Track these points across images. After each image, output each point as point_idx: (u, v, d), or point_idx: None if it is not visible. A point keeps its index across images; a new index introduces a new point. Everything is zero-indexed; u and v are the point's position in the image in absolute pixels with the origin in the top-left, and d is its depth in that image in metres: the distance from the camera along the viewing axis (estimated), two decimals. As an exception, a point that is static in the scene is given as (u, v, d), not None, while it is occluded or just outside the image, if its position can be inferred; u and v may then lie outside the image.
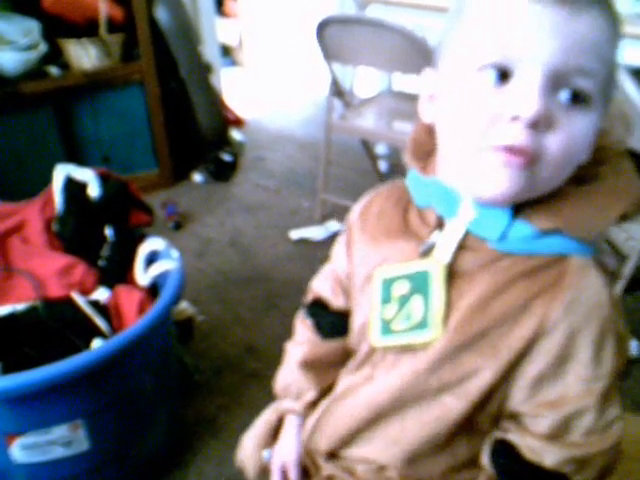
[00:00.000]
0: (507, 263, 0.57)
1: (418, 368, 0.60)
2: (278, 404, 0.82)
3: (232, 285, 2.07)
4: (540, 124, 0.50)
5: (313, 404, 0.76)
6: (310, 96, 3.85)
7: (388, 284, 0.63)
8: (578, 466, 0.57)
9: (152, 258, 1.36)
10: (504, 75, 0.51)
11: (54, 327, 1.21)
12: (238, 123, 3.21)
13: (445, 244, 0.59)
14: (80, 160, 2.41)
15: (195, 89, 2.70)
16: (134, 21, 2.38)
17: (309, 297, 0.83)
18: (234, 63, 4.39)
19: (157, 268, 1.32)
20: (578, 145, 0.52)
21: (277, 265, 2.17)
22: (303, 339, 0.81)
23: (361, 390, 0.67)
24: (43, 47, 2.21)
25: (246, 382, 1.64)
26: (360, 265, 0.69)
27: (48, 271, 1.29)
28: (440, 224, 0.61)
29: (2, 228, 1.34)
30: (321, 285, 0.80)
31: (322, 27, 2.02)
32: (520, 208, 0.56)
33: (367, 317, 0.65)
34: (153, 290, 1.33)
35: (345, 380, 0.72)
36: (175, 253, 1.33)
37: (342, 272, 0.75)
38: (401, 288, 0.62)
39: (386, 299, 0.63)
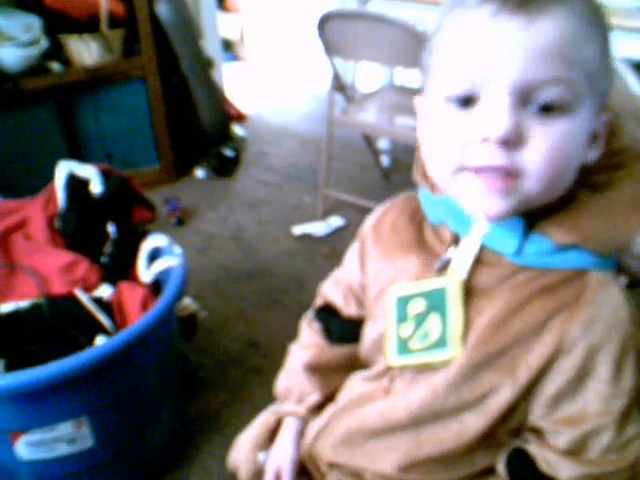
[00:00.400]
0: (524, 278, 0.56)
1: (437, 387, 0.59)
2: (278, 406, 0.81)
3: (234, 281, 2.07)
4: (511, 141, 0.49)
5: (316, 408, 0.75)
6: (312, 91, 3.85)
7: (404, 302, 0.62)
8: None
9: (155, 254, 1.36)
10: (469, 100, 0.51)
11: (57, 324, 1.21)
12: (240, 118, 3.20)
13: (461, 260, 0.59)
14: (82, 156, 2.41)
15: (197, 84, 2.70)
16: (135, 16, 2.38)
17: (319, 301, 0.82)
18: (236, 58, 4.38)
19: (160, 265, 1.32)
20: (563, 152, 0.51)
21: (279, 260, 2.17)
22: (309, 342, 0.80)
23: (377, 402, 0.66)
24: (44, 43, 2.21)
25: (249, 378, 1.64)
26: (374, 278, 0.69)
27: (51, 268, 1.29)
28: (455, 240, 0.60)
29: (5, 225, 1.34)
30: (332, 291, 0.79)
31: (323, 22, 2.01)
32: (535, 219, 0.55)
33: (382, 331, 0.65)
34: (156, 286, 1.33)
35: (360, 387, 0.71)
36: (177, 249, 1.33)
37: (355, 282, 0.74)
38: (417, 306, 0.61)
39: (402, 318, 0.62)
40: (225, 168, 2.82)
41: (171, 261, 1.30)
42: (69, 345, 1.16)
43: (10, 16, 2.16)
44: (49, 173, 1.40)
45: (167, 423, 1.38)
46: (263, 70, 4.25)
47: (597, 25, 0.51)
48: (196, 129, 2.76)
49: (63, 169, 1.39)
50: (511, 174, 0.50)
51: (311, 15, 2.17)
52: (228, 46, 4.24)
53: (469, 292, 0.58)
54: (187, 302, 1.60)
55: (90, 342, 1.17)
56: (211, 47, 3.07)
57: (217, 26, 3.29)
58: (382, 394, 0.66)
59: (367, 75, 2.95)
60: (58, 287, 1.27)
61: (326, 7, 2.09)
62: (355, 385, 0.72)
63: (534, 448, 0.60)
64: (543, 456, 0.58)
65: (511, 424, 0.60)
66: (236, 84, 3.75)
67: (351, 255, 0.75)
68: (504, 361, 0.56)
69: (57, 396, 1.09)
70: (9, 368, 1.14)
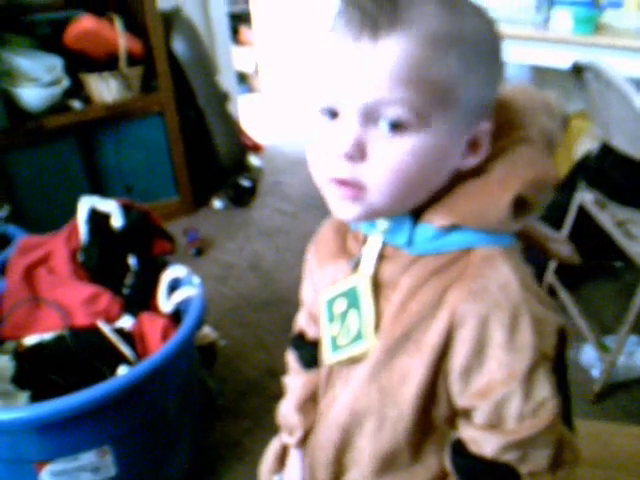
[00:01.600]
0: (420, 265, 0.59)
1: (361, 379, 0.63)
2: (282, 435, 0.84)
3: (253, 309, 2.09)
4: (354, 156, 0.54)
5: (303, 440, 0.78)
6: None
7: (330, 303, 0.67)
8: (519, 454, 0.57)
9: (174, 285, 1.39)
10: (334, 114, 0.55)
11: (81, 355, 1.24)
12: (256, 149, 3.26)
13: (368, 257, 0.63)
14: (103, 190, 2.47)
15: (213, 117, 2.76)
16: (152, 54, 2.46)
17: (294, 330, 0.85)
18: (250, 90, 4.47)
19: (179, 295, 1.35)
20: (406, 167, 0.54)
21: (297, 288, 2.15)
22: (291, 372, 0.84)
23: (329, 413, 0.69)
24: (66, 82, 2.28)
25: (269, 405, 1.63)
26: (318, 291, 0.72)
27: (74, 300, 1.32)
28: (365, 240, 0.64)
29: (30, 260, 1.38)
30: (300, 317, 0.83)
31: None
32: (422, 211, 0.59)
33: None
34: (176, 316, 1.36)
35: (321, 402, 0.74)
36: (196, 280, 1.36)
37: (310, 302, 0.78)
38: (340, 306, 0.65)
39: (331, 318, 0.67)
40: (242, 198, 2.86)
41: (190, 291, 1.33)
42: (92, 375, 1.18)
43: (33, 57, 2.24)
44: (71, 208, 1.44)
45: (188, 451, 1.39)
46: (277, 101, 4.33)
47: (457, 42, 0.53)
48: (213, 161, 2.81)
49: (85, 204, 1.44)
50: (356, 186, 0.55)
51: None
52: (243, 79, 4.32)
53: (380, 286, 0.62)
54: (207, 331, 1.62)
55: (113, 372, 1.20)
56: (226, 80, 3.14)
57: (232, 60, 3.37)
58: (332, 403, 0.69)
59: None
60: (81, 319, 1.31)
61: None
62: (320, 403, 0.75)
63: (462, 431, 0.60)
64: (469, 436, 0.59)
65: (441, 411, 0.61)
66: (251, 116, 3.82)
67: (304, 278, 0.80)
68: (410, 343, 0.59)
69: (81, 426, 1.11)
70: (34, 399, 1.16)
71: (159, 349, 1.18)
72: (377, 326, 0.61)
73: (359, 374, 0.63)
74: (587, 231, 1.75)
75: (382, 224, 0.60)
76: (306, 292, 0.80)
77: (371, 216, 0.58)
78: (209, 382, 1.62)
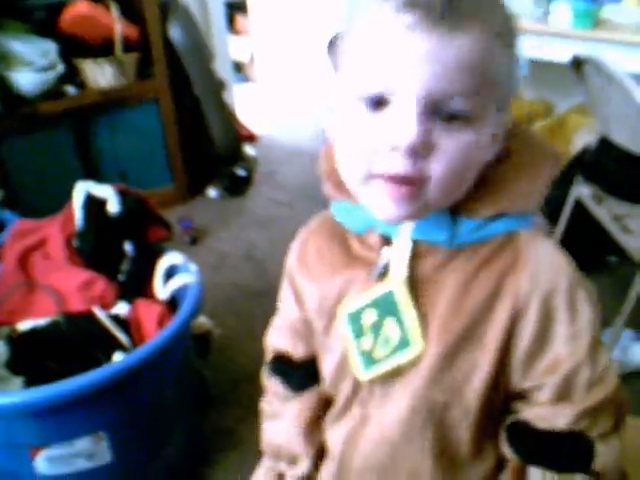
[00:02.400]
0: (463, 258, 0.58)
1: (416, 388, 0.59)
2: (273, 464, 0.79)
3: (247, 299, 2.08)
4: (419, 151, 0.50)
5: (314, 469, 0.74)
6: (321, 110, 3.88)
7: (356, 317, 0.62)
8: (590, 419, 0.58)
9: (171, 272, 1.39)
10: (380, 103, 0.52)
11: (76, 341, 1.23)
12: (251, 138, 3.24)
13: (398, 259, 0.59)
14: (98, 177, 2.44)
15: (209, 106, 2.74)
16: (149, 40, 2.43)
17: (269, 355, 0.80)
18: (246, 79, 4.44)
19: (176, 282, 1.35)
20: (466, 160, 0.53)
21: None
22: (275, 398, 0.79)
23: (362, 437, 0.65)
24: (60, 67, 2.26)
25: (263, 394, 1.64)
26: (316, 308, 0.67)
27: (69, 286, 1.31)
28: (385, 242, 0.61)
29: (24, 245, 1.37)
30: (278, 340, 0.77)
31: (333, 42, 2.05)
32: (457, 204, 0.57)
33: (342, 356, 0.64)
34: (172, 304, 1.35)
35: (337, 433, 0.69)
36: (193, 267, 1.35)
37: (297, 320, 0.72)
38: (370, 317, 0.61)
39: (358, 332, 0.62)
40: (237, 187, 2.85)
41: (187, 278, 1.32)
42: (87, 362, 1.17)
43: (27, 42, 2.21)
44: (66, 193, 1.43)
45: (183, 439, 1.39)
46: (273, 91, 4.30)
47: (508, 37, 0.53)
48: (208, 149, 2.80)
49: (81, 189, 1.43)
50: (415, 182, 0.52)
51: (320, 35, 2.22)
52: (238, 68, 4.30)
53: (415, 287, 0.59)
54: (202, 320, 1.61)
55: (108, 359, 1.19)
56: (222, 69, 3.12)
57: (228, 48, 3.34)
58: (362, 426, 0.65)
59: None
60: (76, 305, 1.30)
61: (336, 27, 2.13)
62: (334, 438, 0.70)
63: (526, 412, 0.60)
64: (536, 414, 0.59)
65: (500, 399, 0.61)
66: (247, 105, 3.80)
67: (285, 295, 0.73)
68: (471, 340, 0.57)
69: (76, 412, 1.11)
70: (28, 385, 1.16)
71: (155, 336, 1.18)
72: (424, 329, 0.58)
73: (410, 384, 0.60)
74: (583, 225, 1.76)
75: (409, 222, 0.58)
76: (288, 309, 0.73)
77: (420, 214, 0.55)
78: (204, 371, 1.62)
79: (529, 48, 2.29)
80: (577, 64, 1.63)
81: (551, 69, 2.35)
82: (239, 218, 2.66)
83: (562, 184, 1.82)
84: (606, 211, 1.62)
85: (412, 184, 0.52)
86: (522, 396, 0.61)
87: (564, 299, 0.57)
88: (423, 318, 0.58)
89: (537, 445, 0.60)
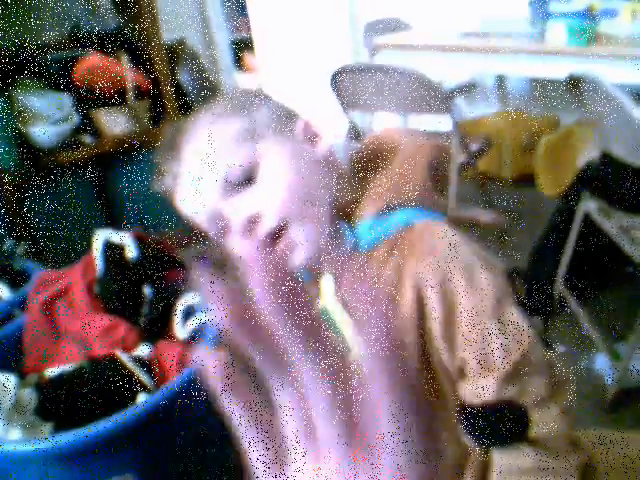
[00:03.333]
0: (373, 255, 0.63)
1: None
2: None
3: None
4: None
5: None
6: (329, 142, 3.93)
7: None
8: (517, 387, 0.59)
9: (189, 312, 1.43)
10: None
11: (101, 385, 1.27)
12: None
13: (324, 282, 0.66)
14: (116, 222, 2.52)
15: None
16: (159, 87, 2.52)
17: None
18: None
19: (194, 322, 1.38)
20: None
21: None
22: None
23: None
24: (76, 118, 2.34)
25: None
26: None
27: (92, 332, 1.36)
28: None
29: (48, 294, 1.42)
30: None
31: (336, 76, 2.10)
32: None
33: None
34: (193, 341, 1.38)
35: None
36: (210, 306, 1.39)
37: None
38: None
39: None
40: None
41: (205, 317, 1.36)
42: (113, 404, 1.21)
43: (43, 96, 2.30)
44: (86, 240, 1.49)
45: (215, 476, 1.41)
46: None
47: None
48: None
49: (99, 237, 1.48)
50: None
51: (326, 70, 2.28)
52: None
53: (344, 299, 0.64)
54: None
55: (132, 400, 1.23)
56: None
57: (236, 85, 3.43)
58: None
59: (383, 121, 3.03)
60: (100, 349, 1.34)
61: (339, 62, 2.19)
62: None
63: (463, 390, 0.62)
64: (469, 391, 0.61)
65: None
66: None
67: None
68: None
69: (104, 454, 1.14)
70: (57, 430, 1.19)
71: (177, 376, 1.21)
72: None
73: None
74: (595, 239, 1.77)
75: None
76: None
77: None
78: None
79: (528, 67, 2.33)
80: (573, 82, 1.66)
81: (551, 86, 2.39)
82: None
83: (570, 199, 1.84)
84: (614, 224, 1.63)
85: None
86: (460, 376, 0.63)
87: (460, 275, 0.59)
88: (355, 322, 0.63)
89: (480, 423, 0.61)
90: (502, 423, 0.60)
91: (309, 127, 0.68)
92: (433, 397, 0.62)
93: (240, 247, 0.60)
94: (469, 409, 0.61)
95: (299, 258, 0.60)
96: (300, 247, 0.60)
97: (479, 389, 0.60)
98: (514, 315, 0.60)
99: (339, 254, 0.63)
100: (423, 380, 0.61)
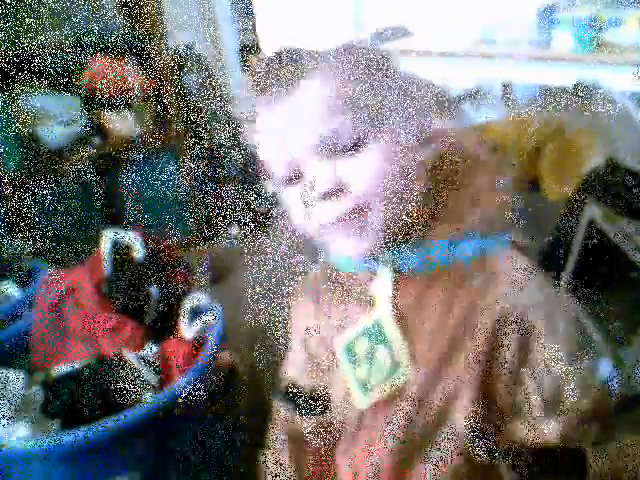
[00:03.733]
0: (441, 279, 0.62)
1: (411, 409, 0.62)
2: None
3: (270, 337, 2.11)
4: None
5: None
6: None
7: (350, 348, 0.66)
8: (581, 430, 0.60)
9: (195, 312, 1.43)
10: None
11: (108, 383, 1.28)
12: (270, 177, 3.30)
13: (381, 290, 0.63)
14: (122, 222, 2.53)
15: (227, 145, 2.83)
16: (165, 90, 2.54)
17: (282, 384, 0.83)
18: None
19: (200, 322, 1.39)
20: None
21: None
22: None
23: (372, 456, 0.67)
24: (83, 120, 2.36)
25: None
26: (315, 342, 0.73)
27: (100, 331, 1.37)
28: (370, 276, 0.65)
29: (57, 294, 1.43)
30: (290, 370, 0.81)
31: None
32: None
33: (343, 388, 0.67)
34: (198, 342, 1.39)
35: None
36: (216, 306, 1.40)
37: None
38: (362, 346, 0.65)
39: (353, 362, 0.65)
40: (257, 226, 2.91)
41: (210, 317, 1.37)
42: (119, 403, 1.22)
43: (51, 98, 2.32)
44: (93, 240, 1.50)
45: (216, 476, 1.41)
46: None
47: None
48: (228, 189, 2.87)
49: (107, 237, 1.49)
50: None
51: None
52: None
53: (401, 314, 0.62)
54: (226, 356, 1.65)
55: (139, 399, 1.23)
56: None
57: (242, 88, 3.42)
58: (367, 450, 0.67)
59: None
60: (107, 348, 1.35)
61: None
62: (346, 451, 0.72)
63: (516, 428, 0.62)
64: (527, 430, 0.61)
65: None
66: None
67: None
68: (456, 356, 0.60)
69: (110, 452, 1.14)
70: (63, 428, 1.20)
71: (183, 375, 1.22)
72: (412, 350, 0.61)
73: (406, 405, 0.62)
74: (600, 245, 1.77)
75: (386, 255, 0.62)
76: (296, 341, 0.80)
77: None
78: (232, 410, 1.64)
79: (535, 74, 2.34)
80: (579, 88, 1.67)
81: (559, 91, 2.39)
82: (259, 256, 2.71)
83: (575, 205, 1.84)
84: (619, 230, 1.63)
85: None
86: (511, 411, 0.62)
87: (539, 315, 0.58)
88: (410, 341, 0.61)
89: (536, 467, 0.62)
90: (562, 465, 0.62)
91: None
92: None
93: (312, 210, 0.59)
94: (521, 450, 0.62)
95: (364, 245, 0.59)
96: (370, 234, 0.58)
97: (542, 430, 0.60)
98: (588, 363, 0.60)
99: (405, 269, 0.62)
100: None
